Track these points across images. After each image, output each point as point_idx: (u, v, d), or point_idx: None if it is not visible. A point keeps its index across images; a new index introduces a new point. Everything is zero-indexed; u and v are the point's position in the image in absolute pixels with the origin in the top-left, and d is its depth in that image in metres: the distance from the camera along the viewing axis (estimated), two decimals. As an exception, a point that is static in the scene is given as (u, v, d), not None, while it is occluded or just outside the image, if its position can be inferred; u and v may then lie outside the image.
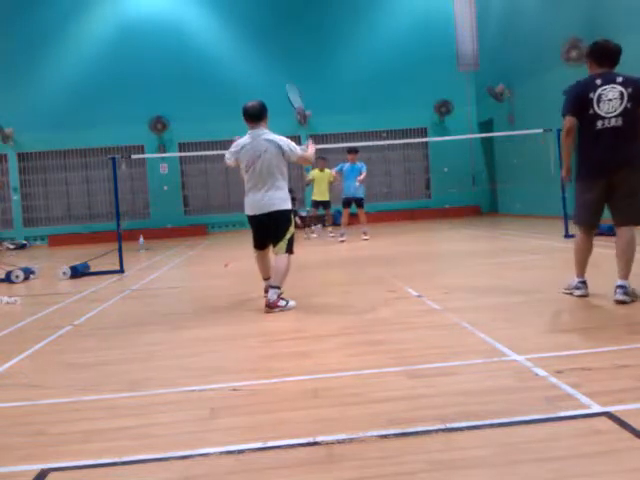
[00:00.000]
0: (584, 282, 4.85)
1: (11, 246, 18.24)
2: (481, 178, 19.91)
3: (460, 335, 3.98)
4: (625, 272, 4.52)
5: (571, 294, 4.88)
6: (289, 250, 5.54)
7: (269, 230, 5.60)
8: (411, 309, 4.96)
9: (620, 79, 4.53)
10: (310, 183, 14.30)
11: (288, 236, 5.53)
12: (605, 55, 4.64)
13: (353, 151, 12.38)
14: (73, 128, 19.37)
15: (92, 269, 9.24)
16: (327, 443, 2.38)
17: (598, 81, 4.55)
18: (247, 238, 16.35)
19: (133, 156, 12.11)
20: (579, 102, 4.57)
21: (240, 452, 2.36)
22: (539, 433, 2.35)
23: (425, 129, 20.04)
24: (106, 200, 19.81)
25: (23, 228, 19.81)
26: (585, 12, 12.99)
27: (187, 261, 11.17)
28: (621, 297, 4.44)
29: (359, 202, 12.27)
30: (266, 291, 5.65)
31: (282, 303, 5.31)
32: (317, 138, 19.77)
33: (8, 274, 8.73)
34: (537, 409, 2.57)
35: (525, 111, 16.06)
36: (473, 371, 3.20)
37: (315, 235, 14.24)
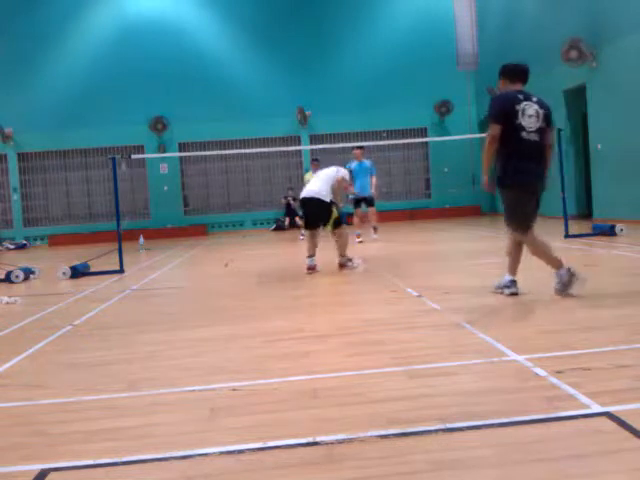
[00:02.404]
0: (514, 281, 5.09)
1: (11, 246, 18.24)
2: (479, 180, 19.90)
3: (460, 335, 3.98)
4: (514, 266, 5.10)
5: (501, 293, 5.13)
6: (338, 225, 7.54)
7: (313, 212, 7.60)
8: (411, 309, 4.95)
9: (535, 99, 4.95)
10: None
11: (333, 217, 7.51)
12: (517, 74, 5.03)
13: (359, 147, 12.11)
14: (73, 128, 19.38)
15: (92, 269, 9.24)
16: (327, 443, 2.38)
17: (520, 96, 4.91)
18: (246, 238, 16.07)
19: (133, 156, 12.09)
20: (507, 112, 4.85)
21: (240, 452, 2.36)
22: (539, 433, 2.35)
23: (425, 129, 20.05)
24: (106, 200, 19.82)
25: (23, 228, 19.82)
26: (585, 12, 12.99)
27: (187, 261, 11.17)
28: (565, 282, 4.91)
29: (370, 201, 11.97)
30: (310, 268, 7.57)
31: (350, 264, 7.66)
32: (317, 138, 19.83)
33: (8, 274, 8.73)
34: (537, 409, 2.57)
35: (525, 111, 16.04)
36: (473, 371, 3.20)
37: (303, 237, 14.06)
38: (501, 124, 4.85)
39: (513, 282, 5.08)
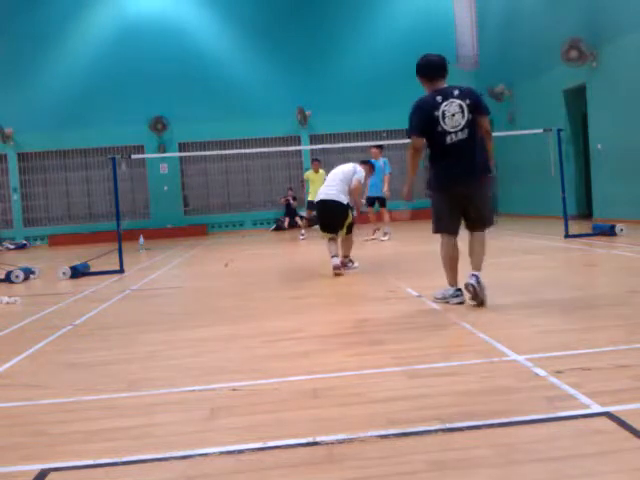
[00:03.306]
0: (460, 289, 4.88)
1: (11, 246, 18.23)
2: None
3: (460, 335, 3.98)
4: (479, 265, 4.82)
5: (447, 302, 4.92)
6: (349, 232, 7.47)
7: (329, 216, 7.39)
8: (411, 309, 4.95)
9: (456, 92, 4.69)
10: (305, 182, 14.43)
11: (347, 223, 7.39)
12: (433, 71, 4.79)
13: (377, 147, 11.98)
14: (73, 128, 19.38)
15: (92, 269, 9.24)
16: (327, 443, 2.38)
17: (438, 98, 4.67)
18: (246, 238, 16.11)
19: (133, 156, 12.08)
20: (426, 122, 4.67)
21: (240, 452, 2.36)
22: (539, 433, 2.35)
23: (425, 129, 20.02)
24: (106, 200, 19.81)
25: (23, 228, 19.80)
26: (585, 12, 12.99)
27: (187, 261, 11.17)
28: (473, 281, 4.67)
29: (382, 201, 11.90)
30: (337, 267, 7.30)
31: (349, 265, 7.59)
32: (317, 138, 19.82)
33: (8, 274, 8.72)
34: (537, 409, 2.57)
35: (525, 111, 16.06)
36: (473, 371, 3.20)
37: (303, 237, 14.15)
38: (422, 135, 4.71)
39: (458, 291, 4.90)
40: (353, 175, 7.45)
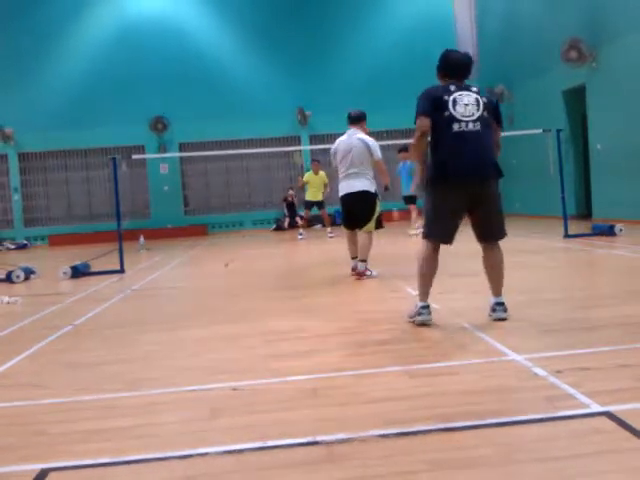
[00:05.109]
0: (427, 307, 4.26)
1: (12, 246, 18.23)
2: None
3: (460, 335, 3.98)
4: (500, 288, 4.38)
5: (413, 321, 4.29)
6: (378, 227, 6.74)
7: (358, 209, 6.67)
8: (411, 309, 4.94)
9: (475, 88, 4.22)
10: (304, 185, 14.52)
11: (375, 215, 6.65)
12: (456, 67, 4.31)
13: (403, 150, 12.66)
14: (74, 128, 19.36)
15: (93, 269, 9.23)
16: (327, 443, 2.38)
17: (452, 87, 4.17)
18: (246, 238, 16.09)
19: (134, 156, 12.11)
20: (433, 103, 4.12)
21: (240, 452, 2.36)
22: (539, 433, 2.35)
23: (425, 129, 20.00)
24: (106, 200, 19.77)
25: (24, 228, 19.80)
26: (585, 12, 12.99)
27: (187, 261, 11.17)
28: (503, 315, 4.28)
29: (411, 199, 12.69)
30: (353, 269, 6.79)
31: (368, 272, 6.67)
32: (317, 138, 19.82)
33: (9, 274, 8.72)
34: (537, 409, 2.57)
35: (525, 111, 16.05)
36: (473, 371, 3.20)
37: (302, 237, 14.18)
38: (430, 117, 4.10)
39: (425, 308, 4.27)
40: (368, 149, 6.66)
